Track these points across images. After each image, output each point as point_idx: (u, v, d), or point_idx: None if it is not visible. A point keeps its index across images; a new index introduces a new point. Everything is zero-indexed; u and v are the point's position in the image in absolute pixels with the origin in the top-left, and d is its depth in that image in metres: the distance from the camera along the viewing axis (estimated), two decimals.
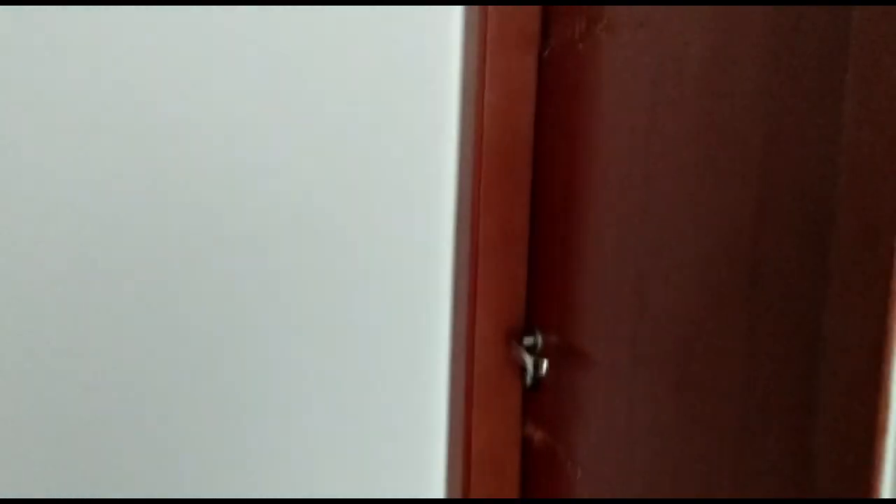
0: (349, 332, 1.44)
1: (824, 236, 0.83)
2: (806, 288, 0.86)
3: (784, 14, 0.86)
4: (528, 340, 1.42)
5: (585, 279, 1.28)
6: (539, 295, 1.42)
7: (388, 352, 1.46)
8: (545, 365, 1.32)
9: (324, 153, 1.38)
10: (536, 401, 1.44)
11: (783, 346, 0.89)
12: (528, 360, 1.35)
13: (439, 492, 1.53)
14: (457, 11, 1.39)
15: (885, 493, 0.65)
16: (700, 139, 1.01)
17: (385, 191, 1.41)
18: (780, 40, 0.88)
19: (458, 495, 1.48)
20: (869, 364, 0.69)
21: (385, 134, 1.40)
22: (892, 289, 0.63)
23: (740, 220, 0.94)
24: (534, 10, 1.37)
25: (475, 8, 1.37)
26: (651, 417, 1.12)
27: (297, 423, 1.43)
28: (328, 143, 1.38)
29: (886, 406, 0.65)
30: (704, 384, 1.01)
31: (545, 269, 1.40)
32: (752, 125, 0.92)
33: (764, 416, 0.92)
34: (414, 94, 1.40)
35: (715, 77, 0.98)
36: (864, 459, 0.69)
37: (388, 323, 1.45)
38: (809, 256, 0.85)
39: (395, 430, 1.49)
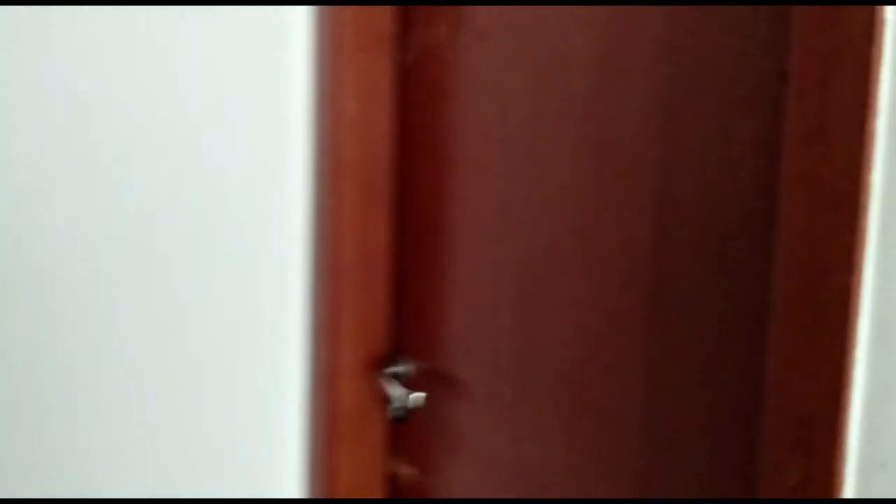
0: (193, 365, 1.27)
1: (735, 256, 0.78)
2: (714, 309, 0.81)
3: (686, 15, 0.81)
4: (393, 369, 1.30)
5: (458, 302, 1.19)
6: (406, 319, 1.31)
7: (236, 387, 1.30)
8: (420, 396, 1.21)
9: (166, 171, 1.20)
10: (404, 435, 1.33)
11: (690, 370, 0.84)
12: (397, 391, 1.24)
13: None
14: (304, 12, 1.26)
15: None
16: (588, 152, 0.94)
17: (230, 208, 1.25)
18: (680, 45, 0.82)
19: None
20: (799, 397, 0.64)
21: (229, 148, 1.24)
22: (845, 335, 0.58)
23: (637, 239, 0.88)
24: (389, 11, 1.27)
25: (326, 8, 1.24)
26: (540, 450, 1.04)
27: (138, 464, 1.25)
28: (170, 160, 1.20)
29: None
30: (601, 413, 0.95)
31: (412, 290, 1.29)
32: (648, 138, 0.86)
33: (671, 445, 0.86)
34: (259, 103, 1.25)
35: (604, 86, 0.92)
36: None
37: (234, 354, 1.29)
38: (717, 276, 0.80)
39: (246, 471, 1.33)
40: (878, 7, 0.54)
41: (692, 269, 0.82)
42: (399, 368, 1.31)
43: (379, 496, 1.36)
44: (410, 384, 1.29)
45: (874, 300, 0.57)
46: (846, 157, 0.57)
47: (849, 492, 0.59)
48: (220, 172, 1.24)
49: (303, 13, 1.26)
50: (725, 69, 0.77)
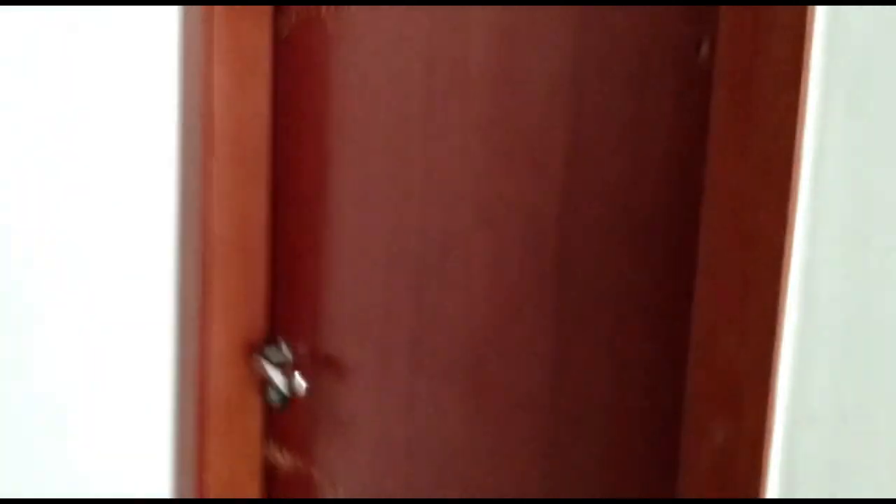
0: (53, 350, 1.15)
1: (645, 231, 0.80)
2: (624, 286, 0.82)
3: None
4: (272, 353, 1.24)
5: (344, 281, 1.15)
6: (285, 300, 1.25)
7: (101, 373, 1.19)
8: (299, 380, 1.16)
9: (29, 148, 1.08)
10: (283, 422, 1.27)
11: (598, 348, 0.85)
12: (277, 376, 1.18)
13: None
14: None
15: None
16: (491, 129, 0.93)
17: (97, 182, 1.15)
18: (587, 24, 0.83)
19: None
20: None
21: (97, 121, 1.13)
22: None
23: (543, 216, 0.88)
24: None
25: None
26: (435, 432, 1.03)
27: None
28: (33, 135, 1.08)
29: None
30: (502, 393, 0.95)
31: (292, 270, 1.23)
32: (554, 115, 0.86)
33: (575, 428, 0.87)
34: (128, 76, 1.15)
35: (508, 63, 0.91)
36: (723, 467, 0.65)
37: (99, 340, 1.18)
38: (627, 253, 0.81)
39: (115, 464, 1.23)
40: None
41: (598, 248, 0.83)
42: (277, 353, 1.25)
43: (255, 487, 1.29)
44: (290, 370, 1.23)
45: (804, 258, 0.60)
46: (777, 119, 0.59)
47: (777, 448, 0.62)
48: (82, 147, 1.13)
49: None
50: (641, 40, 0.78)
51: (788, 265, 0.60)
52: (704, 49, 0.70)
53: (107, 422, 1.21)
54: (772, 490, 0.62)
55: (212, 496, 1.25)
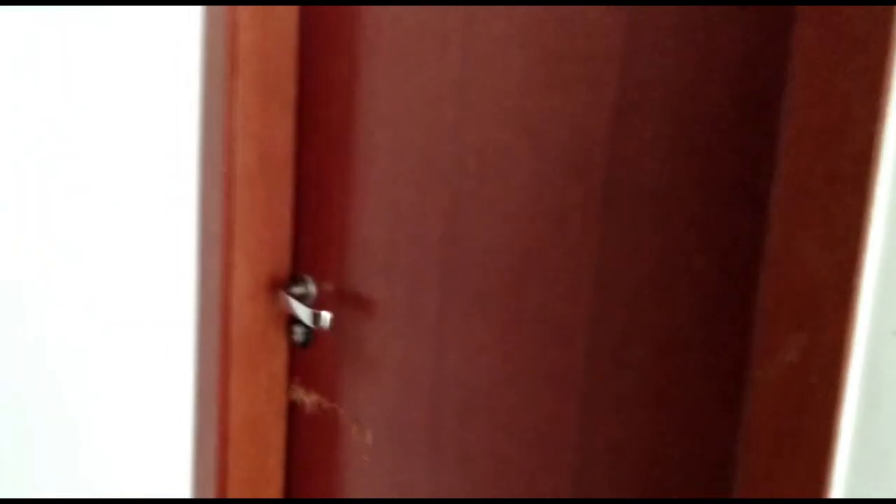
0: (88, 275, 1.11)
1: (706, 139, 0.73)
2: (680, 202, 0.76)
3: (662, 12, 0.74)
4: (297, 289, 1.19)
5: (372, 212, 1.09)
6: (310, 235, 1.20)
7: (124, 306, 1.15)
8: (327, 316, 1.11)
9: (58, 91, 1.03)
10: (307, 360, 1.23)
11: (646, 273, 0.79)
12: (302, 311, 1.13)
13: (187, 474, 1.26)
14: None
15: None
16: (534, 33, 0.87)
17: (119, 110, 1.10)
18: (648, 42, 0.76)
19: (211, 476, 1.23)
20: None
21: (120, 43, 1.08)
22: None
23: (591, 131, 0.82)
24: None
25: None
26: (465, 369, 0.97)
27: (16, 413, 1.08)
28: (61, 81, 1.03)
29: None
30: (540, 325, 0.89)
31: (317, 203, 1.18)
32: (608, 21, 0.80)
33: (619, 359, 0.81)
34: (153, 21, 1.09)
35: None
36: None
37: (123, 270, 1.14)
38: (685, 168, 0.75)
39: (135, 398, 1.19)
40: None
41: (660, 146, 0.77)
42: (302, 289, 1.20)
43: (280, 427, 1.25)
44: (315, 305, 1.19)
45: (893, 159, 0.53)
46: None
47: (857, 362, 0.56)
48: (106, 80, 1.08)
49: None
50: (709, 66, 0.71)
51: (878, 164, 0.53)
52: None
53: (127, 360, 1.17)
54: (849, 410, 0.56)
55: (235, 437, 1.21)
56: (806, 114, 0.56)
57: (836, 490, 0.57)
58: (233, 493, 1.21)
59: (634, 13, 0.76)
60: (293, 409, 1.26)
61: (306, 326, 1.17)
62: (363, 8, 1.06)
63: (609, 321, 0.82)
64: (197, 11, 1.13)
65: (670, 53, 0.74)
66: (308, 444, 1.25)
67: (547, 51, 0.84)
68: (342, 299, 1.15)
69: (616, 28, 0.78)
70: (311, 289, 1.20)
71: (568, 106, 0.83)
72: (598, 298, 0.82)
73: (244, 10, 1.10)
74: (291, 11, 1.15)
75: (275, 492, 1.27)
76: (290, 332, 1.22)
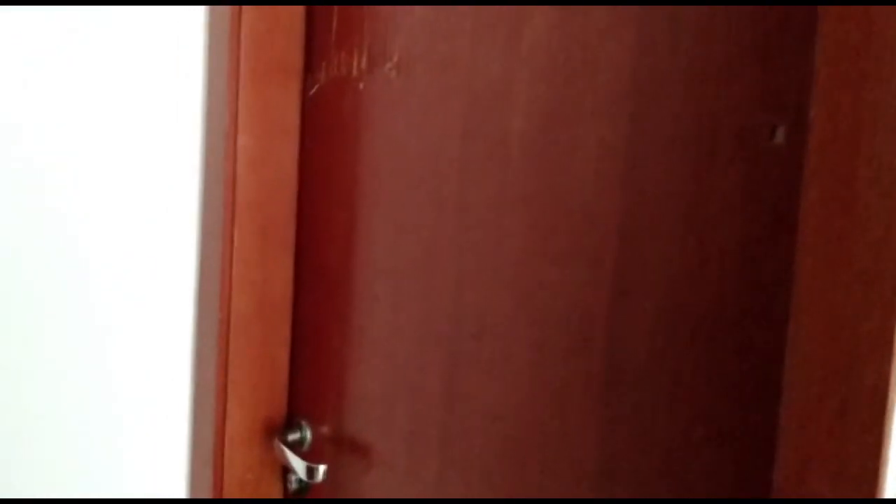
0: (81, 426, 1.08)
1: (709, 327, 0.71)
2: (683, 391, 0.73)
3: (656, 40, 0.74)
4: (292, 436, 1.16)
5: (370, 361, 1.06)
6: (306, 378, 1.17)
7: (118, 450, 1.12)
8: (322, 469, 1.07)
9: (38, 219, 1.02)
10: None
11: (654, 460, 0.76)
12: (296, 462, 1.10)
13: None
14: (198, 30, 1.12)
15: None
16: (533, 206, 0.85)
17: (113, 254, 1.08)
18: (644, 94, 0.75)
19: None
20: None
21: (116, 183, 1.07)
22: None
23: (591, 306, 0.80)
24: (295, 33, 1.14)
25: (223, 26, 1.10)
26: None
27: None
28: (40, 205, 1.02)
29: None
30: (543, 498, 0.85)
31: (315, 347, 1.16)
32: (605, 191, 0.78)
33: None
34: (149, 136, 1.09)
35: (555, 131, 0.83)
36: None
37: (118, 412, 1.11)
38: (687, 353, 0.72)
39: None
40: None
41: (662, 328, 0.74)
42: (297, 434, 1.16)
43: None
44: (310, 453, 1.15)
45: None
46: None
47: None
48: (100, 213, 1.07)
49: (199, 32, 1.12)
50: (703, 116, 0.70)
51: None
52: (780, 134, 0.62)
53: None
54: None
55: None
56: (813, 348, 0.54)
57: None
58: None
59: (631, 192, 0.75)
60: None
61: (304, 477, 1.13)
62: (363, 159, 1.06)
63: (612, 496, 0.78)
64: (196, 160, 1.13)
65: (668, 238, 0.72)
66: None
67: (543, 221, 0.83)
68: (339, 445, 1.12)
69: (613, 210, 0.76)
70: (307, 434, 1.16)
71: (566, 279, 0.81)
72: (602, 479, 0.79)
73: (245, 157, 1.10)
74: (292, 157, 1.14)
75: None
76: (285, 481, 1.18)
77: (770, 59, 0.63)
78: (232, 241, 1.11)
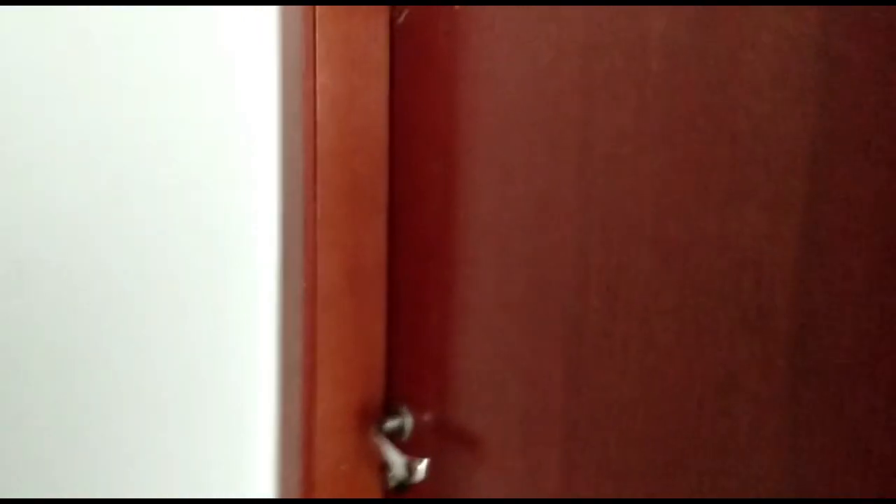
0: (159, 404, 0.96)
1: None
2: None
3: None
4: (390, 423, 1.00)
5: (476, 340, 0.89)
6: (406, 358, 1.01)
7: (202, 441, 0.99)
8: (423, 467, 0.91)
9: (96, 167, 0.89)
10: None
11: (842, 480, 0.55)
12: (397, 459, 0.94)
13: None
14: None
15: None
16: (682, 129, 0.65)
17: (188, 209, 0.95)
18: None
19: None
20: None
21: (174, 138, 0.94)
22: None
23: (771, 263, 0.59)
24: None
25: None
26: None
27: None
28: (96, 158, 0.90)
29: None
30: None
31: (412, 320, 0.99)
32: (783, 120, 0.57)
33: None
34: (216, 84, 0.95)
35: (715, 30, 0.62)
36: None
37: (197, 398, 0.99)
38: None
39: None
40: None
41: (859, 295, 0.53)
42: (397, 422, 1.00)
43: None
44: (410, 444, 0.99)
45: None
46: None
47: None
48: (163, 172, 0.94)
49: None
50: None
51: None
52: None
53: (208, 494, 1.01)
54: None
55: None
56: None
57: None
58: None
59: (827, 113, 0.53)
60: None
61: (404, 475, 0.98)
62: (463, 92, 0.87)
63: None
64: (273, 102, 0.98)
65: (881, 166, 0.50)
66: None
67: (700, 154, 0.62)
68: (444, 435, 0.95)
69: (802, 133, 0.55)
70: (408, 421, 1.00)
71: (733, 230, 0.60)
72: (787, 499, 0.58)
73: (325, 101, 0.93)
74: (381, 99, 0.97)
75: None
76: (383, 475, 1.03)
77: None
78: (315, 199, 0.95)
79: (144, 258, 0.93)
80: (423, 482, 0.97)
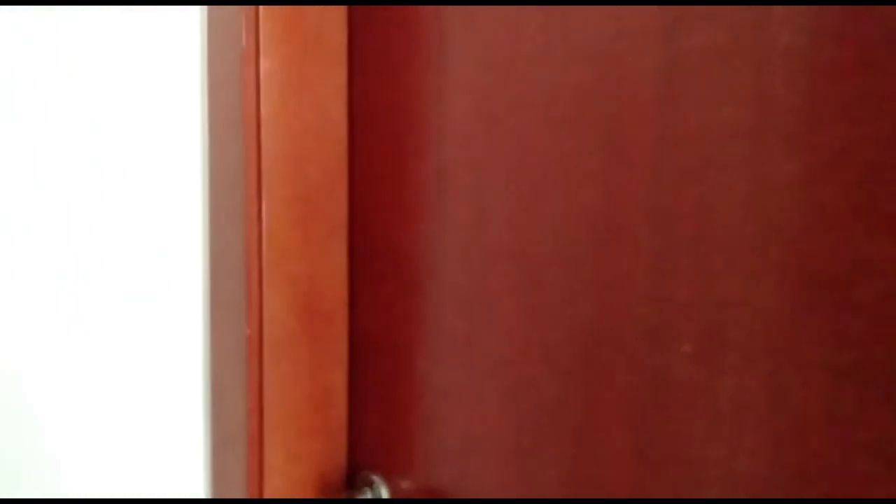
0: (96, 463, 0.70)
1: None
2: None
3: None
4: (361, 497, 0.80)
5: (458, 388, 0.71)
6: (372, 415, 0.81)
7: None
8: None
9: None
10: None
11: None
12: None
13: None
14: None
15: None
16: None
17: (119, 231, 0.71)
18: None
19: None
20: None
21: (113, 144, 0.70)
22: None
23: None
24: None
25: None
26: None
27: None
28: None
29: None
30: None
31: (381, 367, 0.79)
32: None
33: None
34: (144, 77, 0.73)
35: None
36: None
37: (130, 457, 0.74)
38: None
39: None
40: None
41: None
42: (366, 495, 0.80)
43: None
44: None
45: None
46: None
47: None
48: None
49: None
50: None
51: None
52: None
53: None
54: None
55: None
56: None
57: None
58: None
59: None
60: None
61: None
62: (432, 83, 0.70)
63: None
64: (195, 94, 0.77)
65: None
66: None
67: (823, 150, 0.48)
68: None
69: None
70: (382, 492, 0.80)
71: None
72: None
73: (269, 87, 0.73)
74: (337, 89, 0.78)
75: None
76: None
77: None
78: (259, 218, 0.74)
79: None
80: None
